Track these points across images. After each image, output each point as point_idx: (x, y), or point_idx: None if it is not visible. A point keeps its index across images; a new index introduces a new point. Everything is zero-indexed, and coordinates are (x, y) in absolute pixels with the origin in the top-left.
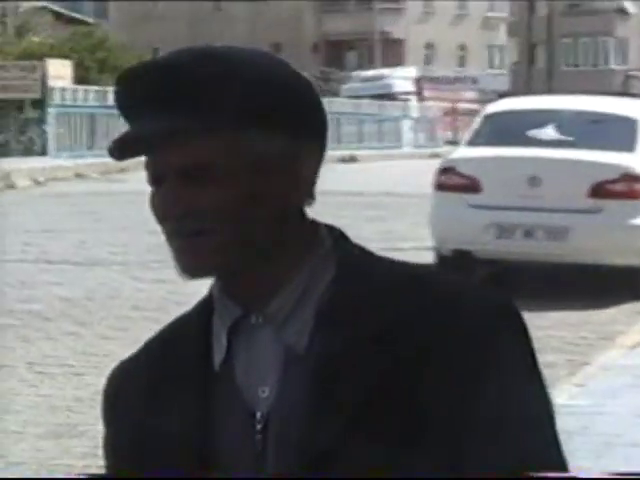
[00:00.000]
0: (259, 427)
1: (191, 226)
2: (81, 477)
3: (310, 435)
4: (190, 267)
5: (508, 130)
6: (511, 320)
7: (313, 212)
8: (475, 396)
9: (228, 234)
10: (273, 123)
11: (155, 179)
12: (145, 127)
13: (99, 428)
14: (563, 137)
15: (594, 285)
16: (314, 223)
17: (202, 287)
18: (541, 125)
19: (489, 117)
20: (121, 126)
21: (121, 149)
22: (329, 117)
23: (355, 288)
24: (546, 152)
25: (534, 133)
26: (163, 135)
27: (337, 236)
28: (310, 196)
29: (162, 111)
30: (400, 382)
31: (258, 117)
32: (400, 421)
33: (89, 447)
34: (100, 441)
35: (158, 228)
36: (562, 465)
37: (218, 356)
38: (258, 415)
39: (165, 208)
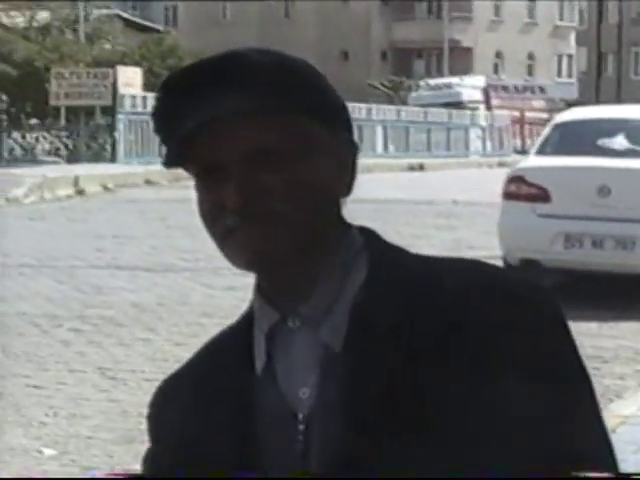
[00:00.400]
0: (301, 428)
1: (264, 209)
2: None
3: (348, 435)
4: (252, 253)
5: (578, 139)
6: (562, 320)
7: (382, 220)
8: (521, 395)
9: (293, 219)
10: (326, 114)
11: (212, 168)
12: (220, 108)
13: None
14: (634, 147)
15: None
16: (346, 223)
17: None
18: (611, 134)
19: (559, 126)
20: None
21: (184, 137)
22: (398, 125)
23: (388, 285)
24: (616, 162)
25: (604, 142)
26: (239, 113)
27: (369, 236)
28: (347, 195)
29: (234, 94)
30: (437, 378)
31: (315, 107)
32: (437, 422)
33: None
34: None
35: None
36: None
37: (259, 361)
38: (300, 416)
39: (231, 196)
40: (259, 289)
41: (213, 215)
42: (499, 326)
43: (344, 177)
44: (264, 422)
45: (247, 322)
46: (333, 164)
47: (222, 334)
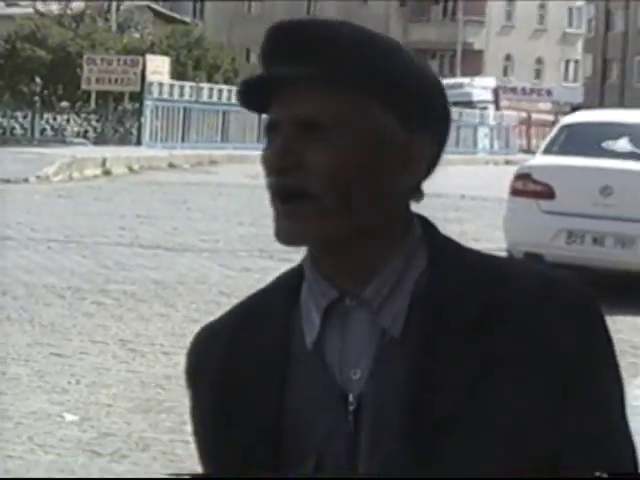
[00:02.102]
0: (351, 409)
1: (294, 183)
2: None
3: (411, 419)
4: (288, 232)
5: (583, 141)
6: (598, 320)
7: None
8: (569, 390)
9: (334, 201)
10: (396, 101)
11: (269, 127)
12: (279, 71)
13: (187, 405)
14: (636, 149)
15: None
16: (409, 211)
17: None
18: (615, 137)
19: (565, 127)
20: (212, 119)
21: (248, 90)
22: None
23: (448, 274)
24: (619, 163)
25: (608, 145)
26: (292, 78)
27: (426, 225)
28: (418, 188)
29: (301, 60)
30: (501, 367)
31: (385, 91)
32: (500, 409)
33: (176, 423)
34: (186, 417)
35: (247, 219)
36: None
37: (310, 335)
38: (350, 397)
39: (274, 158)
40: (316, 264)
41: (266, 169)
42: (558, 330)
43: (409, 172)
44: (307, 396)
45: (295, 285)
46: (397, 159)
47: (268, 290)
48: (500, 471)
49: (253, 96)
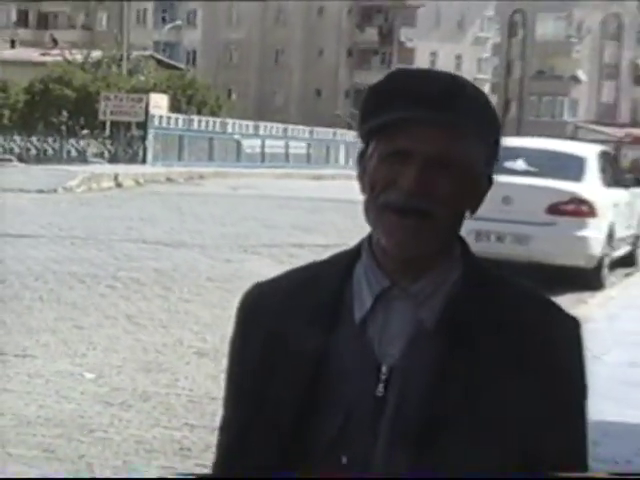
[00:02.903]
0: (383, 377)
1: (425, 205)
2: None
3: (430, 395)
4: (404, 243)
5: None
6: (582, 336)
7: (343, 213)
8: (555, 399)
9: (449, 224)
10: (490, 149)
11: (399, 153)
12: (425, 115)
13: (180, 366)
14: (530, 168)
15: (548, 279)
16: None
17: (261, 268)
18: (514, 158)
19: None
20: (200, 143)
21: (393, 124)
22: (357, 144)
23: (478, 286)
24: (517, 179)
25: (509, 164)
26: (442, 124)
27: (464, 244)
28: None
29: (441, 108)
30: (508, 364)
31: (488, 140)
32: (498, 402)
33: (171, 380)
34: (179, 376)
35: (228, 222)
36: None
37: (359, 311)
38: (384, 368)
39: (411, 182)
40: (374, 251)
41: (383, 187)
42: (555, 347)
43: (475, 202)
44: (348, 363)
45: (351, 265)
46: (477, 189)
47: (325, 263)
48: (491, 458)
49: (379, 127)
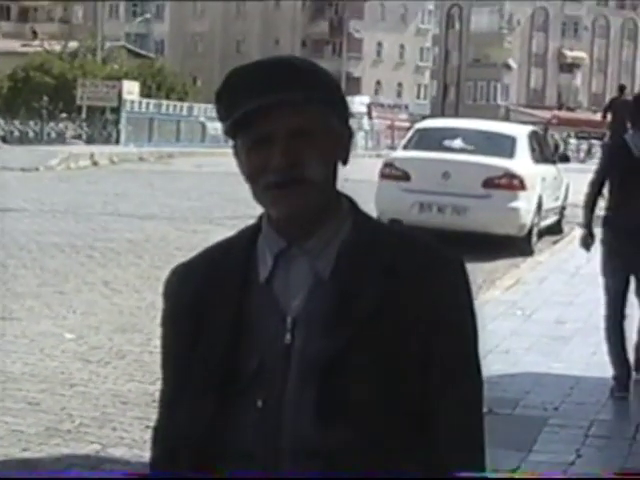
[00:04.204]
0: (289, 327)
1: (298, 173)
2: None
3: (328, 338)
4: (290, 206)
5: (430, 140)
6: (466, 274)
7: None
8: (442, 329)
9: (323, 184)
10: (340, 109)
11: (262, 139)
12: (272, 99)
13: (152, 327)
14: (467, 146)
15: (483, 246)
16: (336, 190)
17: (221, 235)
18: (452, 137)
19: (418, 131)
20: (169, 126)
21: (244, 117)
22: None
23: (366, 237)
24: (455, 156)
25: (447, 143)
26: (289, 103)
27: (351, 201)
28: (344, 165)
29: (280, 89)
30: (396, 305)
31: (337, 104)
32: (390, 338)
33: (145, 339)
34: (152, 336)
35: (194, 196)
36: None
37: (263, 272)
38: (289, 319)
39: (280, 158)
40: (270, 220)
41: (258, 173)
42: (436, 283)
43: (345, 154)
44: (259, 318)
45: (254, 235)
46: (339, 143)
47: (233, 237)
48: (387, 393)
49: (243, 119)
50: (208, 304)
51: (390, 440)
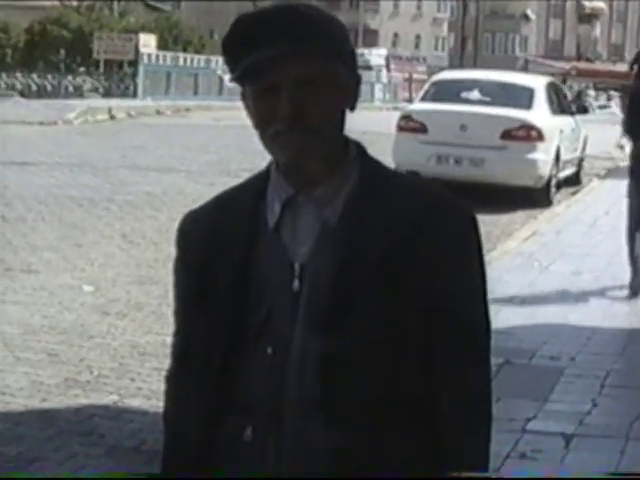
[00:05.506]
0: (297, 274)
1: (302, 122)
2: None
3: (335, 285)
4: (297, 156)
5: (447, 92)
6: (477, 226)
7: None
8: (451, 271)
9: (327, 132)
10: (346, 58)
11: (269, 88)
12: (278, 48)
13: (169, 280)
14: (484, 98)
15: (501, 198)
16: (345, 136)
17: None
18: (469, 89)
19: (435, 83)
20: (186, 79)
21: (251, 67)
22: None
23: (374, 184)
24: (472, 108)
25: (465, 95)
26: (295, 52)
27: (360, 147)
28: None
29: (286, 38)
30: (403, 252)
31: (343, 54)
32: (399, 282)
33: (163, 291)
34: (169, 288)
35: (212, 149)
36: (486, 322)
37: (271, 219)
38: (296, 266)
39: (284, 108)
40: (279, 168)
41: (266, 121)
42: (444, 231)
43: (352, 102)
44: (268, 265)
45: (263, 182)
46: (346, 91)
47: (244, 184)
48: (392, 338)
49: (250, 69)
50: (218, 250)
51: (394, 391)
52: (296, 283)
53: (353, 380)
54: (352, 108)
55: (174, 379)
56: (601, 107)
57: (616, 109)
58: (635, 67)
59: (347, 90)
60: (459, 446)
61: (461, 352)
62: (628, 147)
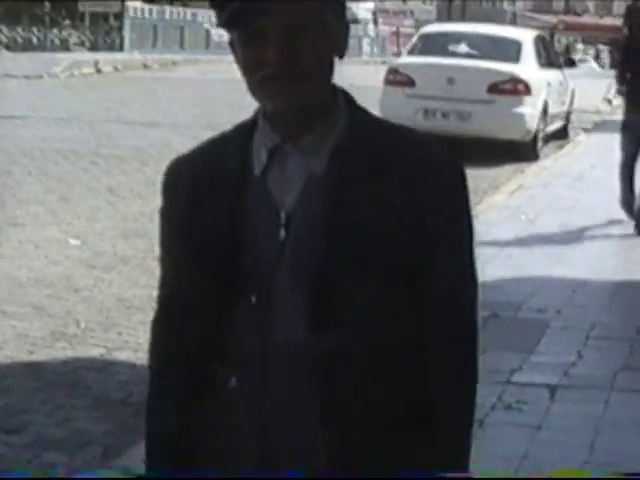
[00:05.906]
0: (283, 222)
1: (290, 68)
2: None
3: (322, 235)
4: (285, 102)
5: (435, 45)
6: (464, 176)
7: None
8: (439, 223)
9: (319, 78)
10: (334, 3)
11: (257, 33)
12: None
13: (155, 233)
14: (472, 51)
15: (488, 152)
16: (333, 85)
17: None
18: (457, 42)
19: (422, 36)
20: (173, 32)
21: (238, 12)
22: None
23: (361, 133)
24: (460, 61)
25: (452, 48)
26: None
27: (348, 96)
28: (341, 59)
29: None
30: (390, 203)
31: (333, 1)
32: (385, 238)
33: (149, 244)
34: (155, 241)
35: (197, 103)
36: (473, 274)
37: (257, 167)
38: (282, 214)
39: (271, 54)
40: (266, 115)
41: (254, 67)
42: (432, 181)
43: (341, 50)
44: (254, 213)
45: (249, 130)
46: (335, 38)
47: (229, 132)
48: (379, 293)
49: (237, 14)
50: (204, 197)
51: (383, 340)
52: (282, 232)
53: (343, 328)
54: (341, 56)
55: (159, 326)
56: (580, 61)
57: (593, 64)
58: (628, 22)
59: (336, 37)
60: (442, 398)
61: (449, 307)
62: (616, 101)
